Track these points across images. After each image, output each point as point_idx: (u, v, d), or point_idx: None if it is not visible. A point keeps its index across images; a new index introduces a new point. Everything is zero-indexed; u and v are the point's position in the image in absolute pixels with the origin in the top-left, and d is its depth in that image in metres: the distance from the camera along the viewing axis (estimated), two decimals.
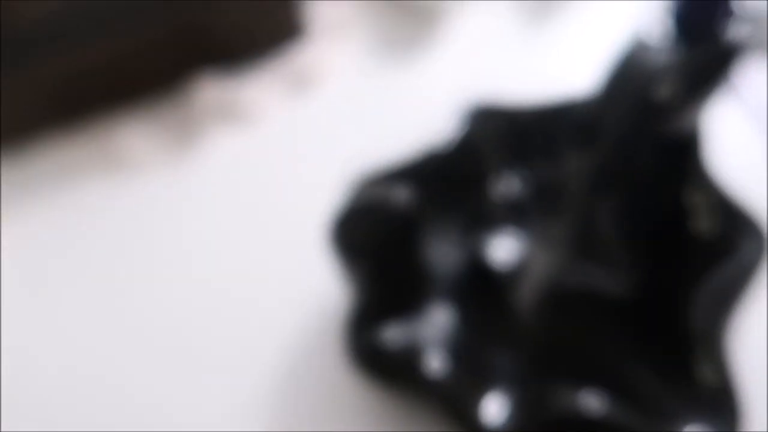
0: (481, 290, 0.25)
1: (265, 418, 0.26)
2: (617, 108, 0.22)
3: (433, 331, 0.23)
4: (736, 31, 0.21)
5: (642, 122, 0.22)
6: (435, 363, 0.22)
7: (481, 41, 0.38)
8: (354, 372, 0.23)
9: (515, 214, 0.25)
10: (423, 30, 0.39)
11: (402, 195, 0.23)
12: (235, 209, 0.33)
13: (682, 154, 0.23)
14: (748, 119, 0.32)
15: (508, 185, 0.25)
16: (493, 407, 0.21)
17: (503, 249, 0.25)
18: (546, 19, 0.38)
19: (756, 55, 0.22)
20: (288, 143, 0.35)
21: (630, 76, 0.22)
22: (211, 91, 0.36)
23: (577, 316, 0.23)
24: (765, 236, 0.21)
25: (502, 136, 0.27)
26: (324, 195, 0.28)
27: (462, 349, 0.23)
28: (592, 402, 0.20)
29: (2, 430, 0.26)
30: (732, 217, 0.22)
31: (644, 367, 0.22)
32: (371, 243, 0.23)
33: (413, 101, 0.35)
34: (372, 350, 0.22)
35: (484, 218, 0.25)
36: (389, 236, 0.23)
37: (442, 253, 0.26)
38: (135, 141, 0.36)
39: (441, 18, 0.39)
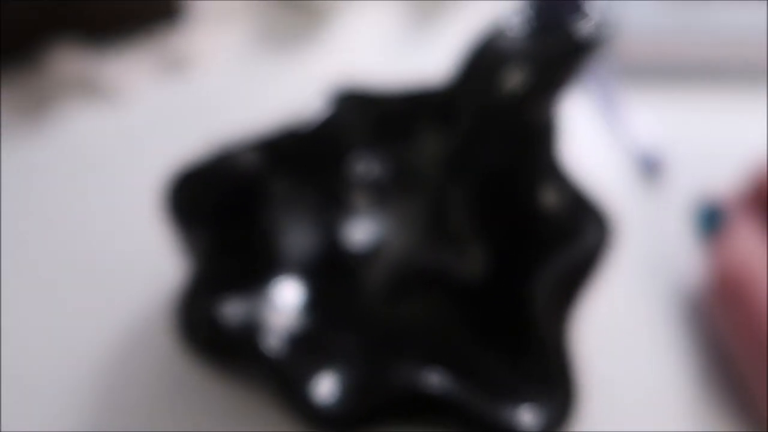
0: (331, 270, 0.23)
1: (89, 397, 0.22)
2: (469, 93, 0.22)
3: (275, 309, 0.21)
4: (586, 27, 0.21)
5: (492, 109, 0.21)
6: (272, 342, 0.20)
7: (364, 38, 0.38)
8: (183, 348, 0.20)
9: (371, 195, 0.24)
10: (308, 24, 0.38)
11: (250, 159, 0.21)
12: (83, 185, 0.30)
13: (534, 144, 0.23)
14: (596, 113, 0.33)
15: (366, 166, 0.24)
16: (327, 387, 0.19)
17: (357, 229, 0.23)
18: (431, 18, 0.39)
19: (604, 52, 0.22)
20: (149, 124, 0.33)
21: (483, 62, 0.22)
22: (71, 63, 0.33)
23: (425, 299, 0.22)
24: (609, 225, 0.21)
25: (364, 118, 0.25)
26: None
27: (304, 329, 0.21)
28: (431, 381, 0.19)
29: None
30: (578, 206, 0.22)
31: (488, 349, 0.20)
32: (212, 210, 0.21)
33: (288, 92, 0.34)
34: (203, 325, 0.20)
35: (340, 197, 0.23)
36: (233, 204, 0.21)
37: (292, 228, 0.24)
38: None
39: (327, 13, 0.38)
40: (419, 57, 0.36)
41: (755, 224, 0.23)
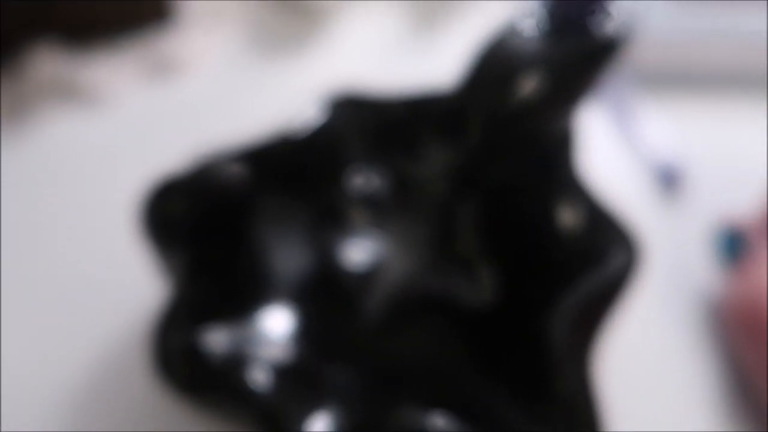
0: (326, 294, 0.21)
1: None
2: (479, 101, 0.19)
3: (263, 338, 0.19)
4: (608, 26, 0.19)
5: (504, 119, 0.19)
6: (259, 375, 0.17)
7: (364, 41, 0.35)
8: (159, 381, 0.18)
9: (370, 212, 0.21)
10: (303, 26, 0.36)
11: (237, 172, 0.19)
12: (60, 194, 0.28)
13: (550, 157, 0.21)
14: (611, 123, 0.31)
15: (364, 179, 0.22)
16: (319, 428, 0.16)
17: (354, 250, 0.21)
18: (436, 19, 0.36)
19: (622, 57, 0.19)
20: (133, 131, 0.30)
21: (494, 67, 0.19)
22: (52, 66, 0.31)
23: (428, 329, 0.20)
24: (634, 246, 0.19)
25: (363, 126, 0.23)
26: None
27: (295, 361, 0.19)
28: (435, 424, 0.16)
29: None
30: (600, 226, 0.19)
31: (499, 388, 0.18)
32: (194, 227, 0.18)
33: (282, 98, 0.32)
34: (180, 356, 0.17)
35: (335, 214, 0.21)
36: (218, 220, 0.19)
37: (283, 248, 0.21)
38: None
39: (324, 15, 0.36)
40: (423, 61, 0.34)
41: None
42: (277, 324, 0.20)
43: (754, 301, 0.20)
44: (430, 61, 0.34)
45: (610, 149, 0.30)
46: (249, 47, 0.35)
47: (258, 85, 0.33)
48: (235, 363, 0.18)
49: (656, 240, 0.26)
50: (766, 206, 0.23)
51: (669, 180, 0.27)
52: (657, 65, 0.32)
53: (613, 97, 0.31)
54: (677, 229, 0.26)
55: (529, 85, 0.19)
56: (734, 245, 0.23)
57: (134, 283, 0.23)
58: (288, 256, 0.22)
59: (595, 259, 0.18)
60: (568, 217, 0.20)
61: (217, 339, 0.18)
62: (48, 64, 0.30)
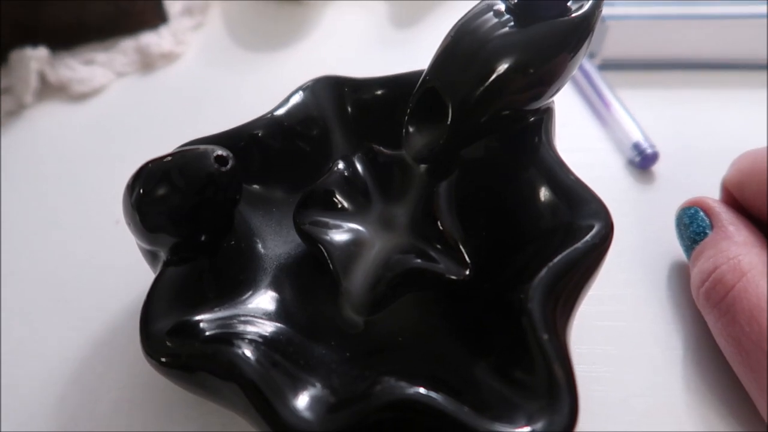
0: (311, 276, 0.21)
1: (54, 413, 0.20)
2: (454, 83, 0.19)
3: (250, 317, 0.19)
4: (582, 7, 0.19)
5: (480, 100, 0.19)
6: (246, 352, 0.17)
7: (346, 34, 0.35)
8: (149, 361, 0.18)
9: (352, 193, 0.21)
10: (288, 21, 0.36)
11: (219, 155, 0.18)
12: (51, 186, 0.27)
13: (526, 137, 0.21)
14: (584, 106, 0.31)
15: (346, 161, 0.22)
16: (304, 402, 0.16)
17: (337, 230, 0.21)
18: (417, 17, 0.36)
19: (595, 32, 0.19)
20: (117, 124, 0.30)
21: (467, 48, 0.19)
22: (44, 64, 0.30)
23: (410, 305, 0.20)
24: (606, 219, 0.19)
25: (343, 108, 0.23)
26: None
27: (282, 338, 0.19)
28: (417, 396, 0.17)
29: None
30: (573, 201, 0.19)
31: (479, 358, 0.18)
32: (179, 211, 0.18)
33: (267, 90, 0.32)
34: (167, 336, 0.17)
35: (317, 196, 0.21)
36: (202, 205, 0.18)
37: (266, 230, 0.21)
38: None
39: (308, 11, 0.36)
40: (406, 54, 0.34)
41: (739, 228, 0.21)
42: (263, 305, 0.20)
43: (715, 281, 0.20)
44: (412, 54, 0.34)
45: (585, 131, 0.30)
46: (232, 42, 0.35)
47: (242, 79, 0.32)
48: (222, 341, 0.18)
49: (631, 217, 0.26)
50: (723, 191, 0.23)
51: (642, 160, 0.27)
52: (628, 49, 0.33)
53: (587, 81, 0.32)
54: (651, 206, 0.26)
55: (503, 67, 0.19)
56: (696, 225, 0.23)
57: (124, 267, 0.23)
58: (273, 240, 0.22)
59: (569, 233, 0.19)
60: (542, 193, 0.20)
61: (203, 319, 0.18)
62: (38, 60, 0.30)
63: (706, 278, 0.20)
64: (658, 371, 0.21)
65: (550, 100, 0.21)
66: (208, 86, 0.32)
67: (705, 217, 0.22)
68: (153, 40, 0.33)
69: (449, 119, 0.19)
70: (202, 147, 0.18)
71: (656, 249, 0.25)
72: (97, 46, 0.33)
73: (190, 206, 0.18)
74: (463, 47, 0.19)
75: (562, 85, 0.20)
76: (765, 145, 0.22)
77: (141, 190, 0.17)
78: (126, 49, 0.33)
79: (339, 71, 0.26)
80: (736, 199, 0.23)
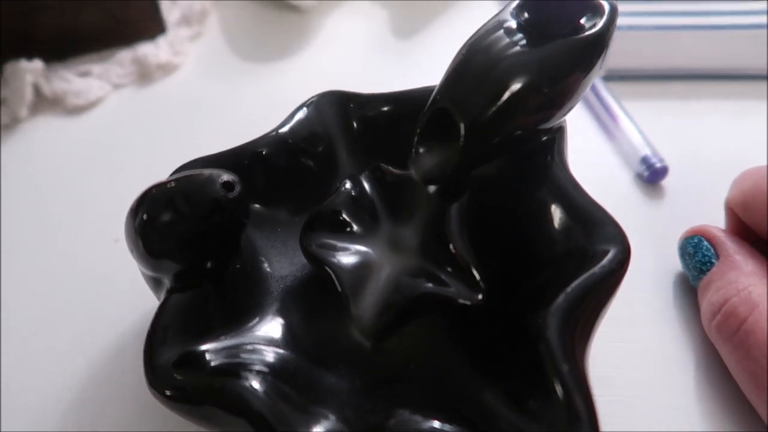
0: (318, 300, 0.20)
1: None
2: (465, 103, 0.19)
3: (257, 346, 0.18)
4: (595, 24, 0.19)
5: (492, 121, 0.19)
6: (255, 384, 0.17)
7: (348, 45, 0.35)
8: (153, 393, 0.17)
9: (361, 215, 0.21)
10: (289, 30, 0.35)
11: (224, 179, 0.18)
12: (51, 202, 0.27)
13: (539, 157, 0.20)
14: (592, 121, 0.31)
15: (353, 181, 0.21)
16: None
17: (346, 253, 0.20)
18: (419, 26, 0.36)
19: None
20: (114, 137, 0.29)
21: (477, 67, 0.19)
22: (39, 76, 0.30)
23: (421, 332, 0.19)
24: (623, 243, 0.18)
25: (348, 124, 0.22)
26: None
27: (291, 367, 0.18)
28: (434, 428, 0.16)
29: None
30: (589, 224, 0.19)
31: (494, 389, 0.18)
32: (183, 236, 0.18)
33: (268, 100, 0.31)
34: (173, 368, 0.17)
35: (325, 217, 0.20)
36: (210, 229, 0.18)
37: (274, 254, 0.21)
38: None
39: (308, 21, 0.35)
40: (409, 63, 0.34)
41: (746, 257, 0.21)
42: (270, 331, 0.19)
43: (727, 312, 0.20)
44: (414, 64, 0.33)
45: (592, 145, 0.30)
46: (232, 52, 0.34)
47: (241, 90, 0.32)
48: (229, 373, 0.17)
49: (641, 233, 0.26)
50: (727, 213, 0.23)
51: (652, 176, 0.27)
52: (633, 60, 0.32)
53: (593, 92, 0.31)
54: (661, 221, 0.26)
55: (516, 87, 0.18)
56: (701, 255, 0.22)
57: (123, 287, 0.23)
58: (279, 262, 0.21)
59: (586, 257, 0.18)
60: (557, 215, 0.20)
61: (209, 349, 0.18)
62: (34, 72, 0.29)
63: (717, 311, 0.20)
64: (674, 393, 0.21)
65: (563, 119, 0.20)
66: (207, 97, 0.31)
67: (710, 247, 0.22)
68: (150, 50, 0.32)
69: (461, 140, 0.19)
70: (207, 171, 0.17)
71: (667, 267, 0.24)
72: (93, 58, 0.32)
73: (196, 233, 0.17)
74: (474, 66, 0.19)
75: (575, 104, 0.20)
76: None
77: (145, 216, 0.17)
78: (123, 60, 0.32)
79: (340, 81, 0.25)
80: (740, 219, 0.22)
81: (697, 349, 0.22)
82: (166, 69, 0.32)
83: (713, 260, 0.22)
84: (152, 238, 0.17)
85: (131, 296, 0.23)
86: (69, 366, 0.21)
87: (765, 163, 0.22)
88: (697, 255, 0.22)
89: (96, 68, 0.31)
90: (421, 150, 0.20)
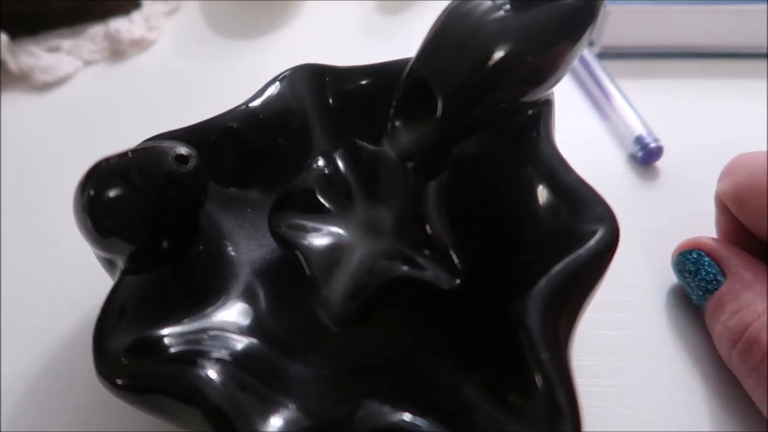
0: (288, 284, 0.19)
1: None
2: (444, 73, 0.17)
3: (220, 332, 0.17)
4: None
5: (472, 92, 0.17)
6: (213, 373, 0.16)
7: (330, 21, 0.33)
8: (104, 383, 0.16)
9: (334, 194, 0.19)
10: (269, 8, 0.34)
11: (183, 153, 0.16)
12: (14, 181, 0.25)
13: (523, 132, 0.19)
14: (585, 99, 0.29)
15: (326, 158, 0.20)
16: (276, 427, 0.15)
17: (317, 234, 0.19)
18: (406, 3, 0.34)
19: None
20: (84, 115, 0.28)
21: (460, 35, 0.17)
22: (5, 51, 0.28)
23: (397, 315, 0.18)
24: (612, 223, 0.17)
25: (324, 99, 0.21)
26: None
27: (255, 355, 0.17)
28: (402, 422, 0.15)
29: None
30: (576, 203, 0.18)
31: (470, 378, 0.16)
32: (140, 214, 0.16)
33: (244, 81, 0.30)
34: (120, 356, 0.16)
35: (295, 196, 0.19)
36: (165, 205, 0.17)
37: (240, 235, 0.20)
38: None
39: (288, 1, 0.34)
40: (391, 42, 0.32)
41: (756, 272, 0.19)
42: (235, 317, 0.18)
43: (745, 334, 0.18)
44: (400, 42, 0.32)
45: (585, 125, 0.28)
46: (209, 28, 0.33)
47: (219, 68, 0.30)
48: (185, 360, 0.16)
49: (634, 213, 0.24)
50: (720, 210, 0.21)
51: (646, 156, 0.26)
52: (630, 37, 0.31)
53: (586, 70, 0.30)
54: (655, 202, 0.25)
55: (498, 55, 0.17)
56: (702, 273, 0.20)
57: (86, 271, 0.21)
58: (248, 245, 0.20)
59: (572, 238, 0.17)
60: (542, 194, 0.18)
61: (167, 334, 0.16)
62: (8, 52, 0.28)
63: (738, 338, 0.18)
64: (664, 384, 0.20)
65: (550, 91, 0.19)
66: (183, 75, 0.30)
67: (712, 262, 0.20)
68: (123, 26, 0.31)
69: (439, 113, 0.17)
70: (162, 144, 0.16)
71: (660, 251, 0.23)
72: (64, 33, 0.31)
73: (148, 210, 0.16)
74: (454, 33, 0.17)
75: (563, 75, 0.19)
76: (762, 148, 0.20)
77: (92, 192, 0.16)
78: (94, 35, 0.30)
79: (321, 59, 0.24)
80: (733, 215, 0.20)
81: (691, 337, 0.21)
82: (140, 45, 0.31)
83: (719, 278, 0.19)
84: (101, 215, 0.16)
85: (95, 279, 0.21)
86: (22, 356, 0.20)
87: (763, 146, 0.21)
88: (700, 272, 0.20)
89: (66, 43, 0.30)
90: (397, 124, 0.19)
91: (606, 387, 0.20)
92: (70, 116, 0.28)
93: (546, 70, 0.18)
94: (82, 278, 0.22)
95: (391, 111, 0.19)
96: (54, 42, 0.30)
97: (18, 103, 0.29)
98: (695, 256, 0.20)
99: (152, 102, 0.29)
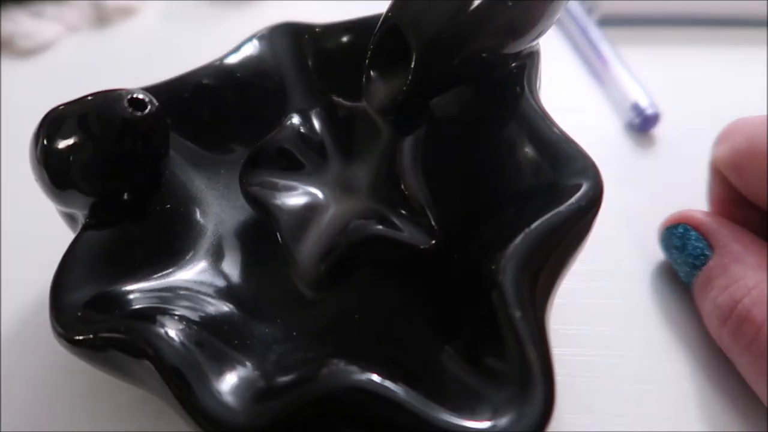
0: (260, 246, 0.18)
1: None
2: (418, 22, 0.16)
3: (183, 291, 0.16)
4: None
5: (449, 43, 0.16)
6: (171, 330, 0.15)
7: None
8: (58, 339, 0.15)
9: (308, 153, 0.19)
10: None
11: (142, 100, 0.16)
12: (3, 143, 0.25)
13: (504, 86, 0.18)
14: (583, 66, 0.28)
15: (302, 115, 0.19)
16: (230, 384, 0.14)
17: (289, 193, 0.18)
18: None
19: None
20: (67, 83, 0.28)
21: None
22: None
23: (369, 276, 0.17)
24: (598, 181, 0.16)
25: (303, 60, 0.20)
26: None
27: (219, 316, 0.16)
28: (369, 383, 0.14)
29: None
30: (558, 158, 0.17)
31: (443, 340, 0.16)
32: (92, 161, 0.15)
33: (227, 47, 0.29)
34: (85, 310, 0.15)
35: (268, 153, 0.18)
36: (120, 154, 0.16)
37: (214, 195, 0.19)
38: None
39: None
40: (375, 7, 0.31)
41: (746, 245, 0.18)
42: (202, 277, 0.17)
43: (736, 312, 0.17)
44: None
45: (582, 92, 0.27)
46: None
47: (206, 35, 0.30)
48: (147, 317, 0.15)
49: (628, 184, 0.23)
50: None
51: (643, 122, 0.25)
52: (630, 3, 0.30)
53: (584, 36, 0.29)
54: (650, 173, 0.24)
55: (476, 1, 0.16)
56: (690, 247, 0.19)
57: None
58: (220, 205, 0.19)
59: (552, 193, 0.16)
60: (523, 150, 0.17)
61: (129, 290, 0.16)
62: None
63: (728, 315, 0.17)
64: (653, 354, 0.19)
65: (535, 42, 0.18)
66: (169, 43, 0.29)
67: (699, 236, 0.19)
68: None
69: (413, 63, 0.16)
70: (116, 90, 0.15)
71: (654, 220, 0.22)
72: (48, 1, 0.30)
73: (103, 158, 0.15)
74: None
75: (547, 27, 0.17)
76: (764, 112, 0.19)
77: (45, 141, 0.15)
78: (79, 2, 0.30)
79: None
80: (729, 183, 0.19)
81: (682, 308, 0.20)
82: (125, 12, 0.30)
83: (707, 252, 0.18)
84: (54, 165, 0.15)
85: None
86: None
87: (762, 114, 0.19)
88: (687, 248, 0.19)
89: (50, 10, 0.30)
90: (372, 75, 0.18)
91: (592, 357, 0.19)
92: (54, 83, 0.28)
93: (527, 18, 0.17)
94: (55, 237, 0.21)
95: (366, 62, 0.18)
96: (37, 8, 0.30)
97: (1, 70, 0.28)
98: (681, 230, 0.19)
99: (137, 69, 0.28)
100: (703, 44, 0.29)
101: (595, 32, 0.29)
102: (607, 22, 0.30)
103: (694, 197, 0.21)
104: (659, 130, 0.25)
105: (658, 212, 0.22)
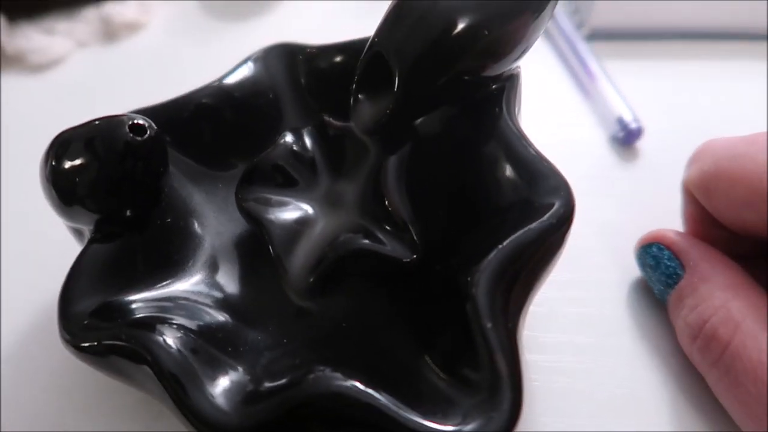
0: (255, 258, 0.20)
1: None
2: (402, 47, 0.18)
3: (180, 301, 0.18)
4: None
5: (432, 66, 0.17)
6: (169, 337, 0.16)
7: (322, 9, 0.33)
8: (66, 346, 0.16)
9: (299, 169, 0.20)
10: None
11: (144, 124, 0.17)
12: (9, 161, 0.26)
13: (484, 107, 0.19)
14: (569, 80, 0.29)
15: (295, 134, 0.20)
16: (222, 387, 0.15)
17: (282, 207, 0.19)
18: None
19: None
20: (76, 97, 0.29)
21: (418, 6, 0.17)
22: (3, 34, 0.29)
23: (357, 291, 0.18)
24: (569, 199, 0.17)
25: (297, 80, 0.21)
26: None
27: (213, 324, 0.17)
28: (348, 388, 0.15)
29: None
30: (533, 176, 0.18)
31: (422, 350, 0.17)
32: (96, 181, 0.17)
33: (232, 63, 0.30)
34: (91, 319, 0.16)
35: (262, 171, 0.20)
36: (122, 175, 0.17)
37: (212, 209, 0.20)
38: None
39: None
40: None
41: (714, 264, 0.19)
42: (199, 286, 0.19)
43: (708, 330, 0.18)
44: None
45: (568, 106, 0.28)
46: (201, 10, 0.33)
47: (210, 50, 0.31)
48: (147, 326, 0.16)
49: (611, 197, 0.24)
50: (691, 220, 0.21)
51: (627, 136, 0.26)
52: (619, 18, 0.31)
53: (572, 51, 0.30)
54: (632, 186, 0.25)
55: (454, 30, 0.17)
56: (663, 267, 0.20)
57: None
58: (218, 219, 0.21)
59: (526, 210, 0.17)
60: (501, 169, 0.18)
61: (130, 300, 0.17)
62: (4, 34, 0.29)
63: (697, 333, 0.18)
64: (627, 362, 0.20)
65: (515, 65, 0.19)
66: (174, 58, 0.31)
67: (672, 256, 0.19)
68: (116, 8, 0.31)
69: (395, 86, 0.17)
70: (120, 115, 0.16)
71: (634, 232, 0.23)
72: (60, 16, 0.32)
73: (106, 179, 0.16)
74: (411, 7, 0.18)
75: (526, 50, 0.19)
76: (745, 132, 0.20)
77: (54, 162, 0.16)
78: (88, 18, 0.31)
79: (315, 41, 0.24)
80: (700, 204, 0.20)
81: (658, 317, 0.21)
82: (133, 27, 0.31)
83: (678, 271, 0.19)
84: (61, 184, 0.16)
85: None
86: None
87: (747, 129, 0.20)
88: (660, 267, 0.20)
89: (61, 26, 0.31)
90: (359, 98, 0.19)
91: (569, 363, 0.20)
92: (64, 96, 0.29)
93: (506, 44, 0.18)
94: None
95: (353, 86, 0.19)
96: (49, 24, 0.31)
97: (13, 84, 0.29)
98: (655, 250, 0.20)
99: (144, 84, 0.29)
100: (689, 58, 0.30)
101: (583, 47, 0.30)
102: (597, 36, 0.31)
103: (674, 211, 0.22)
104: (643, 144, 0.26)
105: (639, 225, 0.23)
